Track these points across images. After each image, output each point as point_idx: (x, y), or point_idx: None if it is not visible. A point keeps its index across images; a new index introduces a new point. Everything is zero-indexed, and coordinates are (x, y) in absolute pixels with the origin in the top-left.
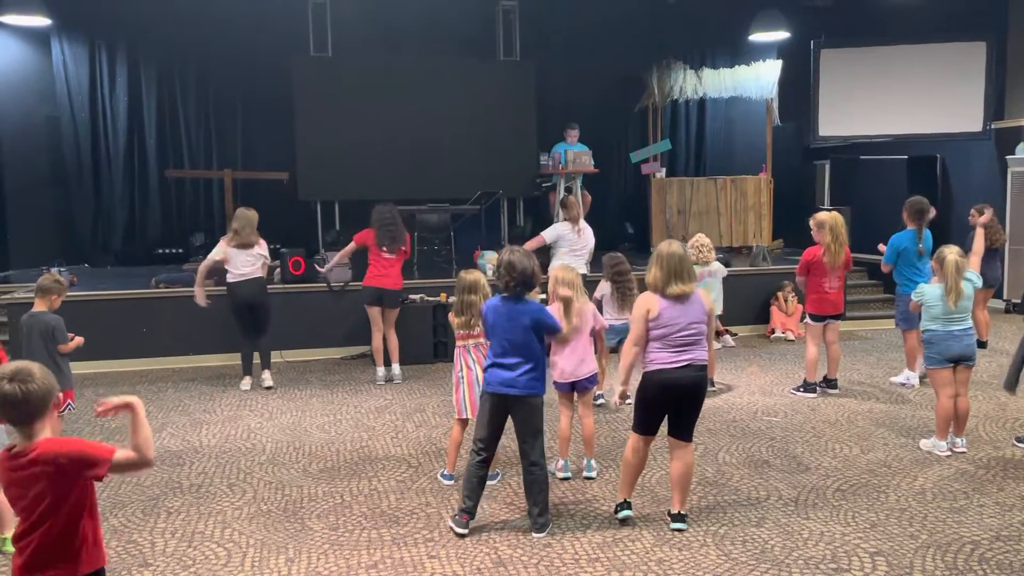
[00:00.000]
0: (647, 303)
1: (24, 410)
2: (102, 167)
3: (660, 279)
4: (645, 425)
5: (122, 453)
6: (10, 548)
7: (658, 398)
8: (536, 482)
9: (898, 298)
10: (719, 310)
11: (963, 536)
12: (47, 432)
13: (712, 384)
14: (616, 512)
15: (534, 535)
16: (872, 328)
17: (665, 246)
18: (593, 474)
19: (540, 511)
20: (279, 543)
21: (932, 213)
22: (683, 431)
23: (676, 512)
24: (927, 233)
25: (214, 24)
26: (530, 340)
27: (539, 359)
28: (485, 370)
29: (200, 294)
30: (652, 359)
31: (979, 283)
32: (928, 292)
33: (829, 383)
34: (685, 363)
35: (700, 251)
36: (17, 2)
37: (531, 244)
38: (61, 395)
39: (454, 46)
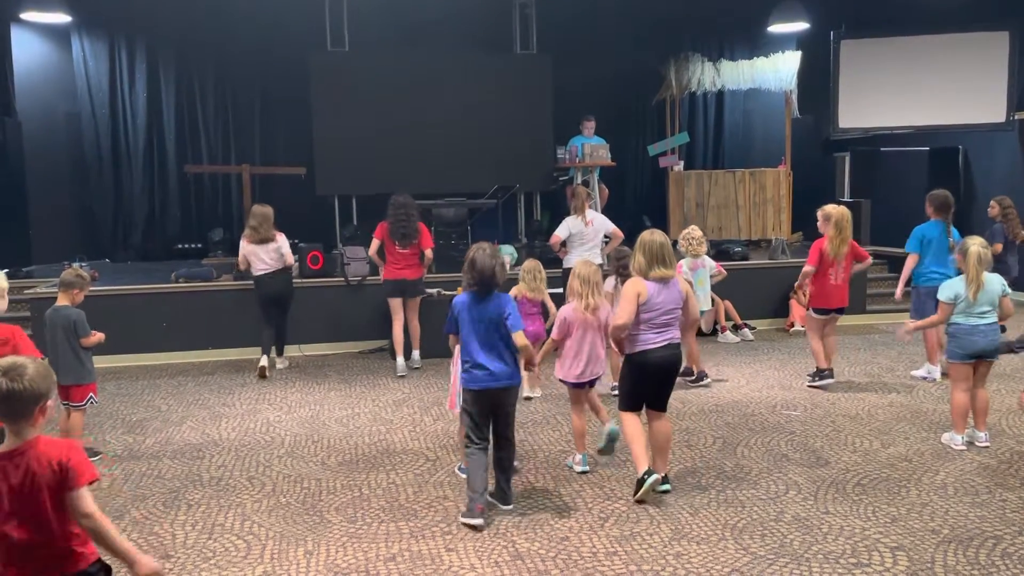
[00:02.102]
0: (637, 287)
1: (7, 407)
2: (122, 163)
3: (643, 264)
4: (634, 402)
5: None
6: None
7: (646, 377)
8: (510, 456)
9: (913, 291)
10: (706, 305)
11: (985, 531)
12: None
13: (692, 373)
14: (645, 478)
15: (503, 508)
16: (892, 321)
17: (647, 235)
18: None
19: (509, 481)
20: (298, 535)
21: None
22: (661, 403)
23: (661, 476)
24: (953, 229)
25: (232, 20)
26: (506, 333)
27: (513, 348)
28: (466, 370)
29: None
30: (639, 341)
31: (1008, 291)
32: (954, 287)
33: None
34: (665, 343)
35: (691, 243)
36: None
37: (553, 243)
38: (57, 397)
39: (470, 40)
